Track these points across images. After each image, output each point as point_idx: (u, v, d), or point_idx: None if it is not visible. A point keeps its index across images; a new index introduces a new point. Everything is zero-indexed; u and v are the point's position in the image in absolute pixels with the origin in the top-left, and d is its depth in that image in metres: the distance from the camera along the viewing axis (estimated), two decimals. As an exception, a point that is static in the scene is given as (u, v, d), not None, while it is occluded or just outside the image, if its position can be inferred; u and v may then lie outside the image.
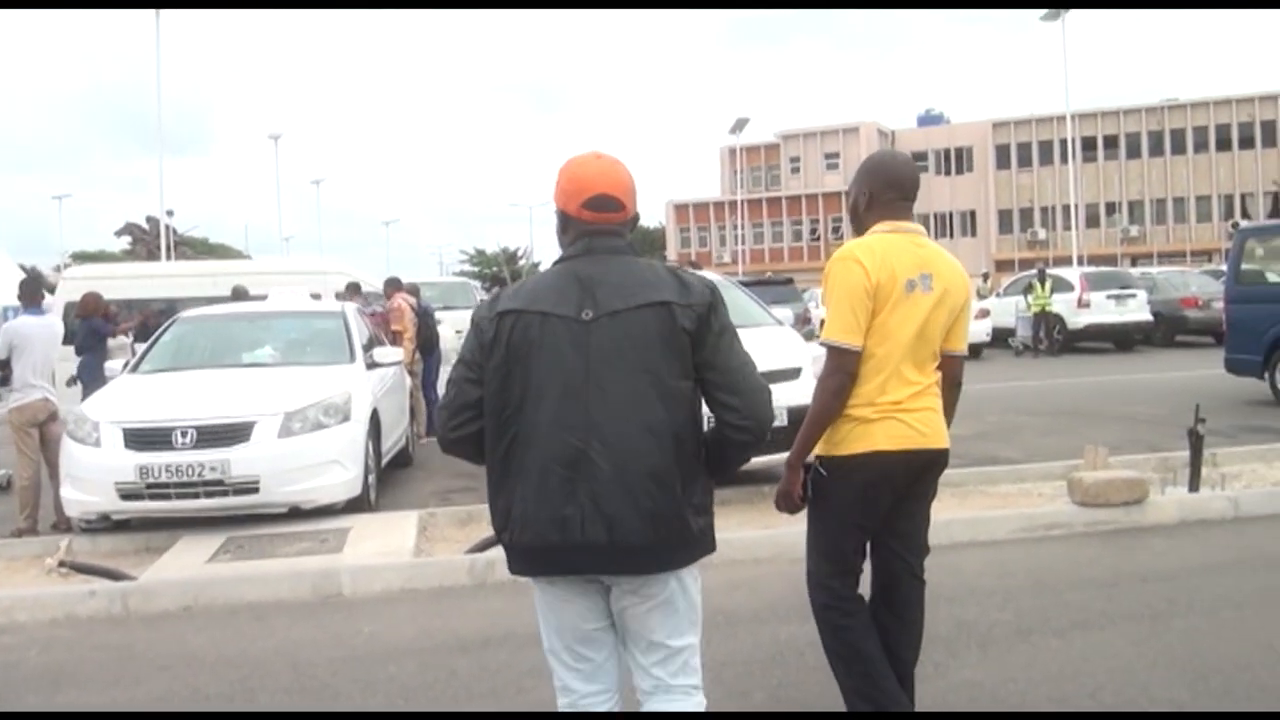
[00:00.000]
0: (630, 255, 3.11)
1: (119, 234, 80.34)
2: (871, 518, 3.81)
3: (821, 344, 3.74)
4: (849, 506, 3.76)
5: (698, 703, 3.14)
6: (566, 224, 3.15)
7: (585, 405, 2.95)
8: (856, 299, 3.65)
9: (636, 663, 3.15)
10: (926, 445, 3.75)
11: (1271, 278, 14.88)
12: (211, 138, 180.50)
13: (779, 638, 5.39)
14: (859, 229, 3.93)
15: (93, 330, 11.93)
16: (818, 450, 3.79)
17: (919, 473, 3.81)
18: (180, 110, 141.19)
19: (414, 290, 14.41)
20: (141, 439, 8.11)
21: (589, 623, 3.13)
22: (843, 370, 3.66)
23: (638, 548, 2.93)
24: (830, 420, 3.70)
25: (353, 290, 14.10)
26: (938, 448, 3.80)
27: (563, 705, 3.20)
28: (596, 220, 3.09)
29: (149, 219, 72.83)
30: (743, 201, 68.15)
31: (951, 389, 3.93)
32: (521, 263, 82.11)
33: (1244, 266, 14.63)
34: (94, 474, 8.14)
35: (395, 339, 12.96)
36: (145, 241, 74.37)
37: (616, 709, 3.19)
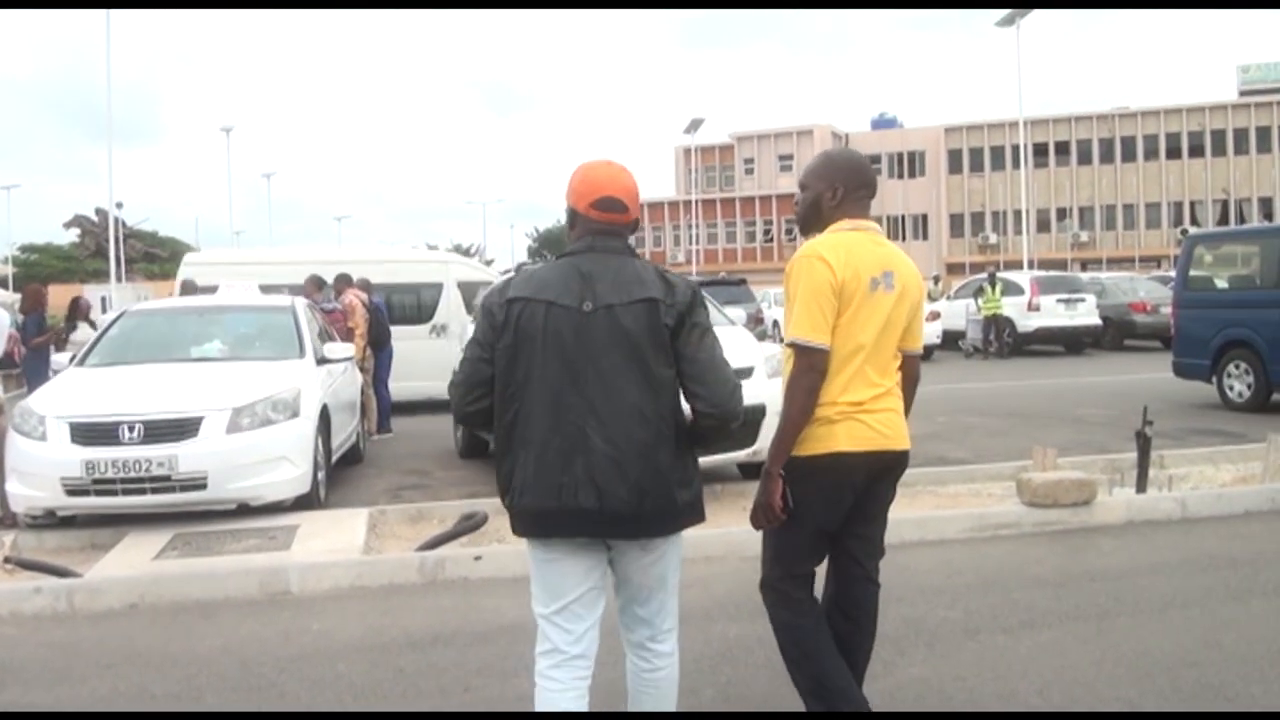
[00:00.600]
0: (628, 255, 3.45)
1: (67, 226, 79.56)
2: (832, 520, 3.77)
3: (789, 344, 3.67)
4: (810, 509, 3.71)
5: (673, 644, 3.61)
6: (575, 220, 3.51)
7: (582, 386, 3.31)
8: (823, 297, 3.62)
9: (633, 615, 3.56)
10: (888, 447, 3.74)
11: (1219, 284, 15.10)
12: (161, 128, 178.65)
13: (728, 635, 5.39)
14: (817, 226, 3.87)
15: (39, 325, 11.78)
16: None
17: (879, 474, 3.79)
18: (129, 99, 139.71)
19: (365, 286, 14.29)
20: (88, 434, 7.99)
21: (580, 585, 3.43)
22: (814, 369, 3.62)
23: (625, 515, 3.30)
24: (806, 420, 3.63)
25: (315, 284, 13.97)
26: (899, 449, 3.78)
27: (544, 666, 3.44)
28: (603, 219, 3.45)
29: (98, 211, 72.16)
30: (697, 201, 68.26)
31: (910, 387, 3.92)
32: (474, 259, 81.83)
33: (1192, 273, 14.84)
34: (40, 469, 8.01)
35: (349, 335, 12.87)
36: (94, 234, 73.62)
37: (589, 673, 3.46)
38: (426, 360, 15.28)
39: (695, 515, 3.48)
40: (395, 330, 14.81)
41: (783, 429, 3.65)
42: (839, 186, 3.84)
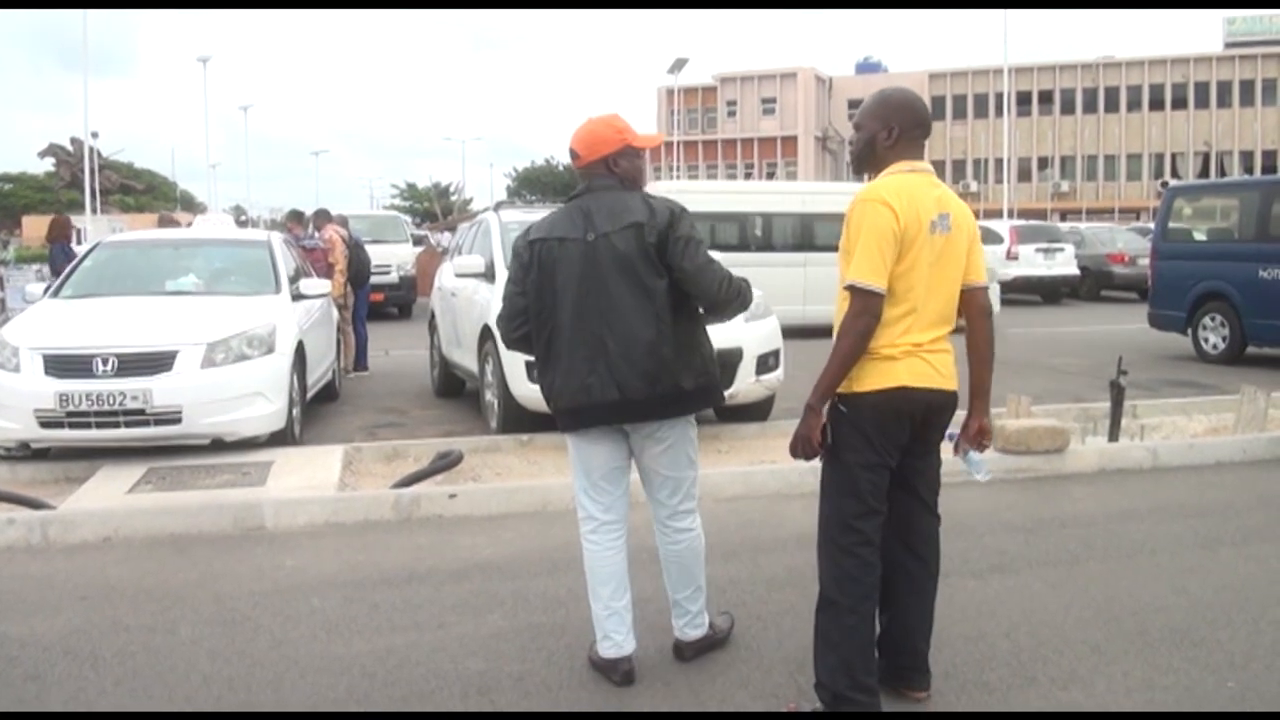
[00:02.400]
0: (619, 190, 4.13)
1: (42, 155, 78.54)
2: (892, 454, 3.81)
3: (849, 286, 3.66)
4: (872, 442, 3.75)
5: (695, 519, 4.33)
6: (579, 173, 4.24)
7: (596, 302, 4.01)
8: (885, 241, 3.62)
9: (653, 497, 4.30)
10: (944, 386, 3.81)
11: (1198, 236, 15.17)
12: (134, 58, 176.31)
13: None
14: (871, 166, 3.87)
15: (65, 254, 11.72)
16: (839, 389, 3.75)
17: (935, 412, 3.85)
18: (102, 28, 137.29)
19: (343, 223, 14.19)
20: (62, 366, 7.94)
21: (610, 462, 4.22)
22: (869, 313, 3.63)
23: (640, 402, 4.02)
24: (855, 362, 3.67)
25: (294, 219, 13.87)
26: (951, 389, 3.85)
27: (585, 530, 4.27)
28: (577, 168, 4.21)
29: (73, 140, 71.25)
30: (679, 143, 67.91)
31: (982, 319, 3.94)
32: (454, 198, 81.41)
33: (1171, 225, 14.88)
34: (13, 400, 7.94)
35: (330, 272, 12.80)
36: (69, 164, 72.77)
37: (623, 534, 4.27)
38: None
39: (705, 398, 4.17)
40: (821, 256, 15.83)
41: (831, 368, 3.67)
42: (894, 126, 3.82)
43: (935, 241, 3.71)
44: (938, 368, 3.79)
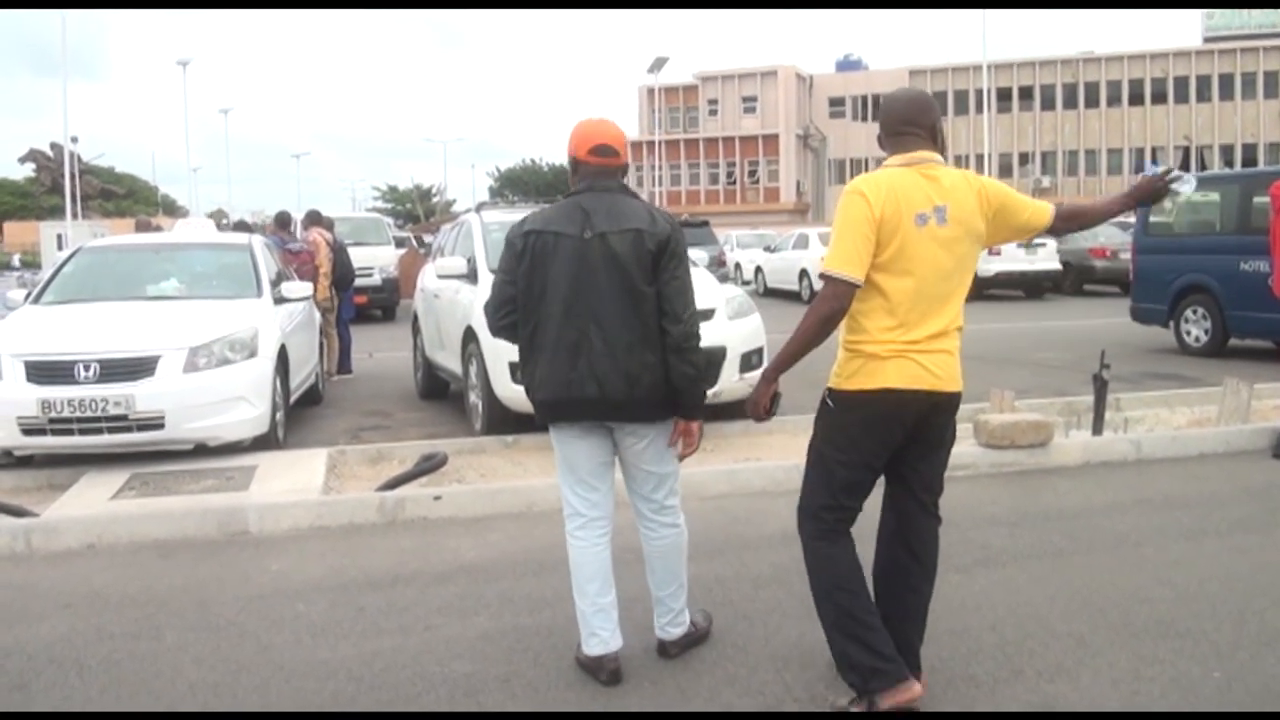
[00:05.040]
0: (620, 193, 4.19)
1: (23, 160, 78.35)
2: (879, 456, 3.82)
3: (821, 275, 3.75)
4: (855, 441, 3.77)
5: (678, 515, 4.38)
6: (576, 167, 4.26)
7: (585, 298, 4.06)
8: (859, 231, 3.65)
9: (636, 493, 4.34)
10: (938, 387, 3.77)
11: (1178, 230, 15.18)
12: (107, 63, 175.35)
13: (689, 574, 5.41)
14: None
15: None
16: (829, 384, 3.83)
17: (928, 414, 3.82)
18: (75, 32, 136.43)
19: (329, 225, 14.16)
20: (43, 372, 7.90)
21: (593, 459, 4.26)
22: (836, 299, 3.66)
23: (621, 402, 4.07)
24: (813, 344, 3.72)
25: (281, 223, 13.84)
26: (949, 390, 3.82)
27: (571, 527, 4.30)
28: (598, 163, 4.21)
29: (53, 146, 70.98)
30: (661, 142, 67.81)
31: (1075, 222, 4.34)
32: (435, 199, 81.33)
33: (1152, 219, 14.89)
34: (-6, 407, 7.92)
35: (316, 275, 12.77)
36: (50, 169, 72.50)
37: (608, 531, 4.31)
38: None
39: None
40: None
41: (790, 346, 3.77)
42: (887, 124, 3.91)
43: (927, 234, 3.70)
44: (931, 368, 3.75)
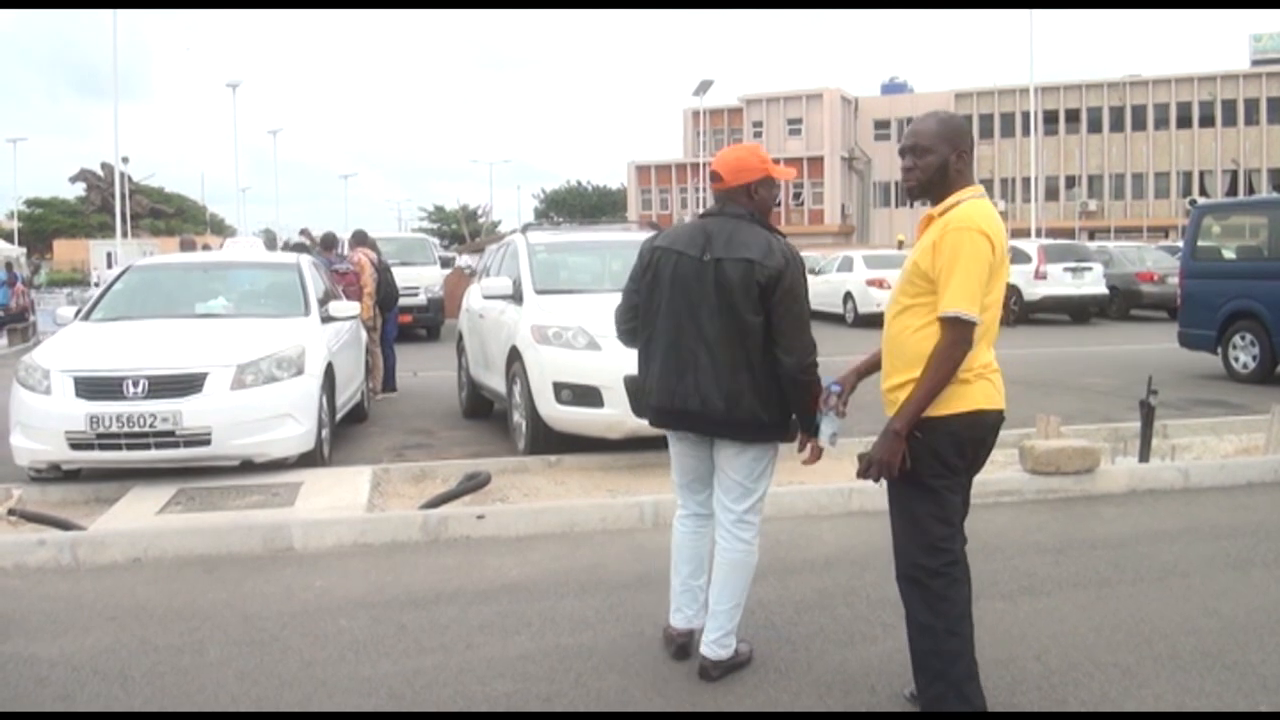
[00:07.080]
0: (745, 221, 4.34)
1: (73, 180, 79.37)
2: (965, 475, 3.87)
3: (949, 317, 3.65)
4: (949, 465, 3.77)
5: (753, 534, 4.46)
6: (716, 192, 4.49)
7: (696, 317, 4.30)
8: (983, 271, 3.67)
9: (722, 500, 4.45)
10: (1002, 406, 3.86)
11: (1227, 254, 15.05)
12: (149, 85, 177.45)
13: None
14: (942, 191, 3.84)
15: None
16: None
17: (992, 431, 3.88)
18: (121, 54, 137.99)
19: (373, 245, 14.26)
20: (92, 388, 8.00)
21: (699, 466, 4.54)
22: (966, 341, 3.67)
23: (719, 419, 4.29)
24: (942, 390, 3.69)
25: (327, 244, 13.96)
26: (1004, 408, 3.89)
27: (679, 514, 4.65)
28: (714, 189, 4.48)
29: (103, 165, 71.95)
30: (705, 164, 67.74)
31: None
32: (481, 220, 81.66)
33: (1200, 243, 14.78)
34: (44, 422, 8.01)
35: (361, 295, 12.88)
36: (100, 189, 73.46)
37: (710, 527, 4.55)
38: None
39: (777, 433, 4.38)
40: None
41: (921, 396, 3.68)
42: (964, 150, 3.84)
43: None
44: (999, 387, 3.85)
